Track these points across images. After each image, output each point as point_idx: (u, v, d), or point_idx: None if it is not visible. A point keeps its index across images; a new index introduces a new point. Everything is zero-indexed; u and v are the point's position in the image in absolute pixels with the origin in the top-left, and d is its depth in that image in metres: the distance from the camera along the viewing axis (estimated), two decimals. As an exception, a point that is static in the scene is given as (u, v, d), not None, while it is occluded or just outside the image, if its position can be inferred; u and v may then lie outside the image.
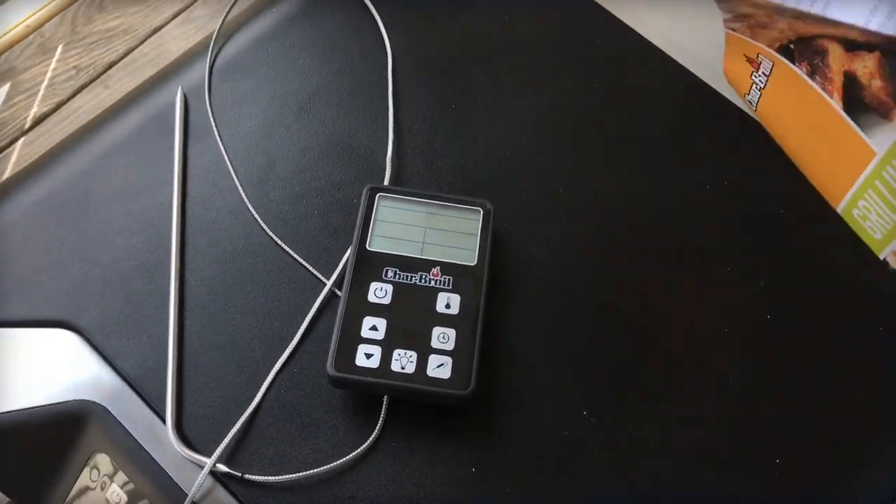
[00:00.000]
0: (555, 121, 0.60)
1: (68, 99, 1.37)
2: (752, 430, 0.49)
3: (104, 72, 1.40)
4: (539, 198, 0.56)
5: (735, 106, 0.61)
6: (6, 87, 1.38)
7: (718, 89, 0.61)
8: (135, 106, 0.60)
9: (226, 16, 0.63)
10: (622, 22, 0.64)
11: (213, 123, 0.58)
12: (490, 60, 0.62)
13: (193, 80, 0.60)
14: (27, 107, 1.37)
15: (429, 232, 0.52)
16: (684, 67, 0.62)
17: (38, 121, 1.34)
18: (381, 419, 0.49)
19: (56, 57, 1.40)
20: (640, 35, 0.64)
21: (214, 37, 0.62)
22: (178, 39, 1.42)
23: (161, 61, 1.39)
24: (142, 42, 1.43)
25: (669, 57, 0.63)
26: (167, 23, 1.46)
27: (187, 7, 1.47)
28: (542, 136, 0.59)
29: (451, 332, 0.49)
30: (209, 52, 0.61)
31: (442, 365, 0.47)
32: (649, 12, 0.63)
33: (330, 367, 0.47)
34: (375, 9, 0.64)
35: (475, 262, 0.51)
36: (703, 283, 0.54)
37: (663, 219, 0.56)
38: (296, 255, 0.54)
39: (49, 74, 1.38)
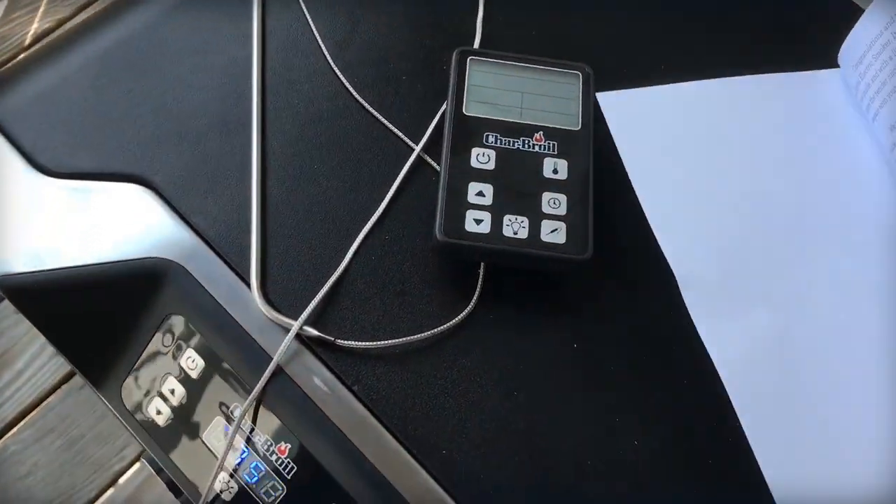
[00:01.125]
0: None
1: (71, 16, 1.32)
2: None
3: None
4: (639, 71, 0.53)
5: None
6: (4, 2, 1.32)
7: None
8: (208, -41, 0.56)
9: None
10: None
11: (292, -20, 0.54)
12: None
13: (269, -65, 0.56)
14: (28, 23, 1.32)
15: (526, 97, 0.49)
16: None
17: (39, 38, 1.29)
18: (478, 288, 0.46)
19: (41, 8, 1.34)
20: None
21: None
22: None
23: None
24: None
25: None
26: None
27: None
28: (645, 6, 0.56)
29: (562, 198, 0.45)
30: None
31: (556, 230, 0.44)
32: None
33: (439, 233, 0.44)
34: None
35: (579, 127, 0.48)
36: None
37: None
38: (383, 119, 0.50)
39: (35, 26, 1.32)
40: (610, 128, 0.50)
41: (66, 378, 1.22)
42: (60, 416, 1.21)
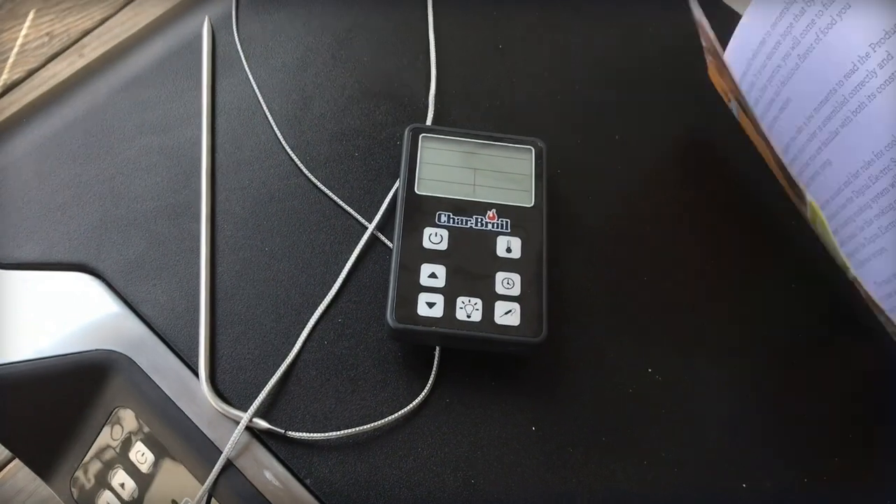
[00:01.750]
0: (605, 58, 0.56)
1: (41, 67, 1.32)
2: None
3: (79, 39, 1.34)
4: (591, 139, 0.52)
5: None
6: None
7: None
8: (157, 37, 0.55)
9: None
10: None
11: (242, 57, 0.54)
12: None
13: (218, 11, 0.56)
14: (-6, 73, 1.32)
15: (479, 174, 0.48)
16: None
17: (9, 88, 1.29)
18: (433, 373, 0.45)
19: (27, 23, 1.34)
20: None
21: (240, -32, 0.58)
22: (156, 9, 1.37)
23: (140, 31, 1.35)
24: (118, 10, 1.37)
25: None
26: (145, -8, 1.40)
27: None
28: (592, 75, 0.55)
29: (516, 277, 0.45)
30: (235, -17, 0.57)
31: (510, 311, 0.43)
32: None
33: (390, 318, 0.43)
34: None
35: (532, 203, 0.47)
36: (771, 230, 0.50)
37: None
38: (335, 198, 0.49)
39: (20, 41, 1.32)
40: None
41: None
42: (15, 490, 1.19)
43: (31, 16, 1.35)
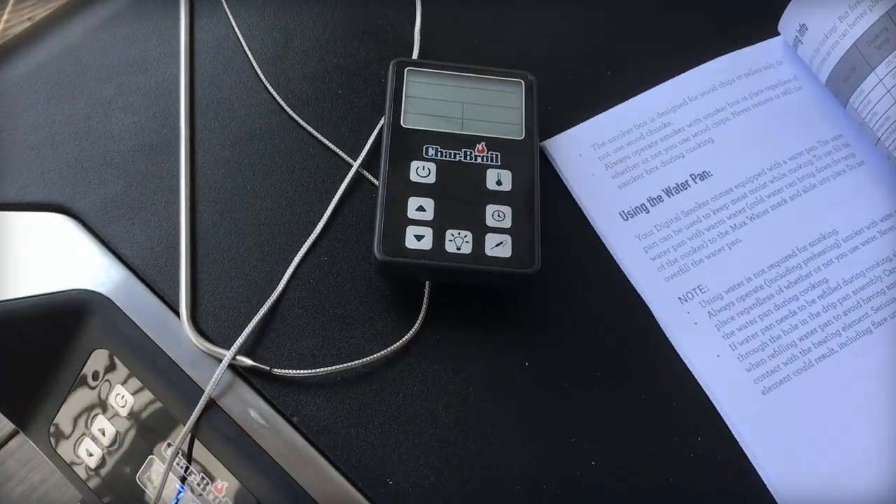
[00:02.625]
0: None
1: None
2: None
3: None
4: (581, 79, 0.51)
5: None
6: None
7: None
8: (133, -24, 0.53)
9: None
10: None
11: (221, -5, 0.52)
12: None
13: (197, -49, 0.54)
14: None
15: (467, 107, 0.47)
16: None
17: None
18: (423, 308, 0.43)
19: (8, 8, 1.32)
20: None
21: None
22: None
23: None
24: (102, -3, 1.36)
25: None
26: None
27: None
28: (584, 10, 0.54)
29: (507, 210, 0.43)
30: (213, -77, 0.55)
31: (501, 244, 0.42)
32: None
33: (377, 251, 0.41)
34: None
35: (523, 136, 0.46)
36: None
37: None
38: (319, 135, 0.48)
39: (1, 26, 1.30)
40: (562, 175, 0.47)
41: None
42: (21, 462, 1.17)
43: (11, 0, 1.34)
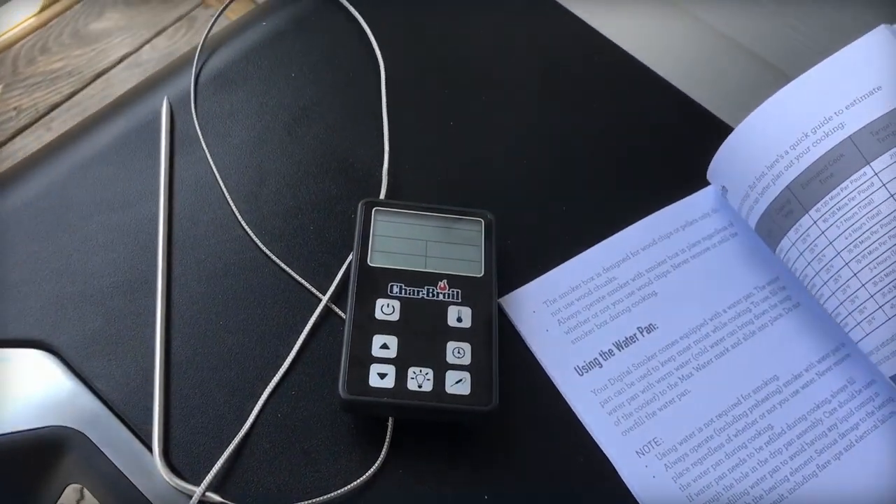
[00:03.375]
0: (555, 132, 0.58)
1: (8, 140, 1.33)
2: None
3: (47, 113, 1.36)
4: (540, 211, 0.54)
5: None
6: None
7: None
8: (116, 116, 0.56)
9: (209, 30, 0.60)
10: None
11: (200, 135, 0.55)
12: (485, 71, 0.60)
13: (178, 91, 0.57)
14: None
15: (430, 245, 0.50)
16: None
17: None
18: (386, 443, 0.45)
19: None
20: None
21: (199, 49, 0.59)
22: (125, 83, 1.39)
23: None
24: (87, 84, 1.39)
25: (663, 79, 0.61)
26: (114, 66, 1.42)
27: (135, 51, 1.43)
28: (543, 148, 0.57)
29: (467, 347, 0.45)
30: (194, 64, 0.58)
31: (461, 381, 0.44)
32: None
33: (342, 390, 0.43)
34: (367, 24, 0.61)
35: (482, 273, 0.48)
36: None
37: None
38: (290, 271, 0.50)
39: None
40: (519, 331, 0.49)
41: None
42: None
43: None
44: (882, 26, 0.46)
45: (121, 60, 1.43)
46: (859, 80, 0.45)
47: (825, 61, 0.46)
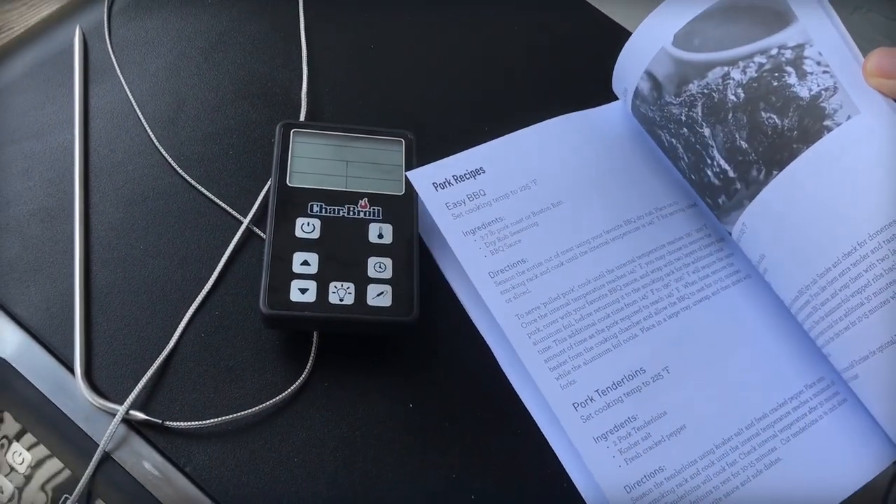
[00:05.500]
0: (475, 55, 0.58)
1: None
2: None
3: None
4: (458, 135, 0.54)
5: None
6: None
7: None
8: (29, 46, 0.55)
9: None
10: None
11: (115, 63, 0.54)
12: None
13: (92, 21, 0.56)
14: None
15: (351, 165, 0.50)
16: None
17: None
18: (311, 358, 0.46)
19: None
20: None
21: (112, -23, 0.58)
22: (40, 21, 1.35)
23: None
24: (19, 40, 1.36)
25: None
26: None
27: (66, 5, 1.39)
28: (463, 72, 0.57)
29: (388, 262, 0.46)
30: (107, -7, 0.57)
31: (382, 293, 0.45)
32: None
33: (263, 305, 0.44)
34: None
35: (403, 192, 0.49)
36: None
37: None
38: (210, 195, 0.50)
39: None
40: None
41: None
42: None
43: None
44: None
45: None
46: None
47: None
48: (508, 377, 0.46)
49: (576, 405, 0.44)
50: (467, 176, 0.50)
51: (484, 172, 0.50)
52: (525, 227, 0.49)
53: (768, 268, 0.46)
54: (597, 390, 0.44)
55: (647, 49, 0.49)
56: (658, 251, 0.50)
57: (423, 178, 0.49)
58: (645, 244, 0.49)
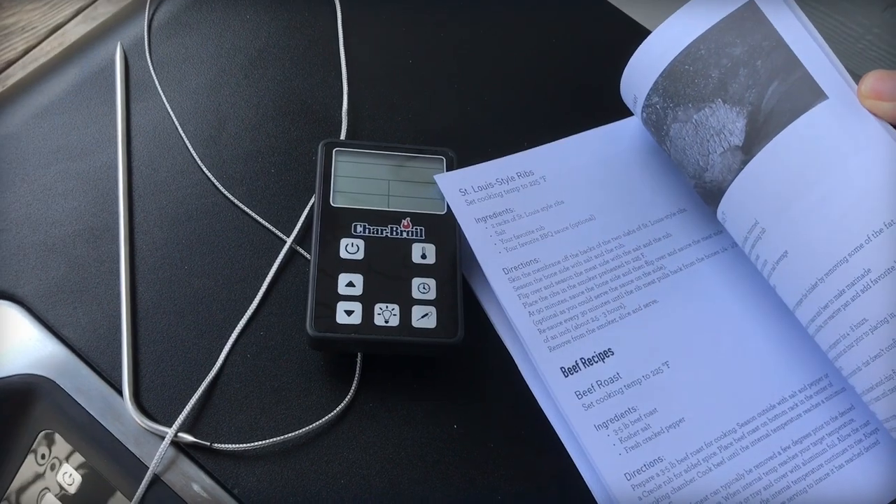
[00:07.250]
0: (515, 73, 0.58)
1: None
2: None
3: (3, 70, 1.33)
4: (498, 146, 0.54)
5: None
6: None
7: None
8: (70, 64, 0.56)
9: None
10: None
11: (155, 81, 0.55)
12: (442, 7, 0.60)
13: (132, 37, 0.57)
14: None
15: (393, 184, 0.50)
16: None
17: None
18: (355, 379, 0.46)
19: None
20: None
21: (151, -6, 0.58)
22: (80, 37, 1.36)
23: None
24: (42, 40, 1.36)
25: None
26: (68, 21, 1.39)
27: (89, 5, 1.40)
28: (501, 86, 0.57)
29: (432, 282, 0.46)
30: (146, 8, 0.58)
31: (427, 315, 0.45)
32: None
33: (310, 328, 0.44)
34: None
35: (445, 211, 0.49)
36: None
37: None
38: (253, 214, 0.51)
39: None
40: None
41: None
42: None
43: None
44: None
45: (76, 14, 1.40)
46: None
47: None
48: (534, 393, 0.47)
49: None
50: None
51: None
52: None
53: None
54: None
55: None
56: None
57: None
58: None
